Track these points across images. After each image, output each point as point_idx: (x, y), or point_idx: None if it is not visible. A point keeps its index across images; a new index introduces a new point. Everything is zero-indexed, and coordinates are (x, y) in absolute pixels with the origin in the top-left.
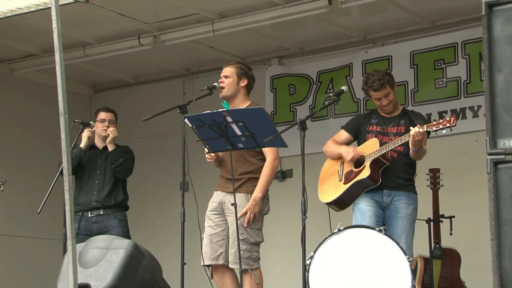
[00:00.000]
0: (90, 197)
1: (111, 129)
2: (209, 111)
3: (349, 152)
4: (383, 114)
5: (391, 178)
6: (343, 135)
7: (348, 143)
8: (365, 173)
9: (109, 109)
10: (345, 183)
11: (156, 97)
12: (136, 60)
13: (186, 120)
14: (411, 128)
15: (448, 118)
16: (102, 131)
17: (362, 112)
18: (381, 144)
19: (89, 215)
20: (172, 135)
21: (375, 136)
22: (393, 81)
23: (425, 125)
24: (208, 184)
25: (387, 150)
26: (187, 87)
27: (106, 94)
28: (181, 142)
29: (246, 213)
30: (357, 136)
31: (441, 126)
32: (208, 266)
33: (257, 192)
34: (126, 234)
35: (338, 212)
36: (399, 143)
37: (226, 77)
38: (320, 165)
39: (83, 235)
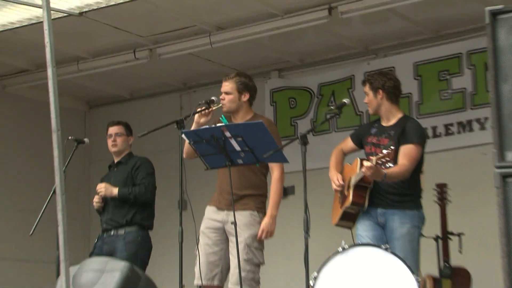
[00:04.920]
0: (103, 217)
1: (100, 189)
2: (207, 126)
3: (332, 181)
4: (382, 123)
5: (382, 195)
6: (349, 143)
7: (353, 151)
8: (348, 201)
9: (115, 122)
10: (340, 207)
11: (152, 112)
12: (131, 75)
13: (183, 135)
14: (383, 151)
15: (386, 152)
16: (110, 147)
17: None
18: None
19: (104, 236)
20: (169, 152)
21: (370, 149)
22: (377, 85)
23: (374, 158)
24: (207, 203)
25: (362, 176)
26: (184, 102)
27: (101, 110)
28: (179, 159)
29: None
30: (361, 146)
31: (383, 160)
32: (200, 286)
33: (273, 210)
34: (132, 258)
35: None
36: (359, 178)
37: (226, 93)
38: (323, 181)
39: (95, 255)
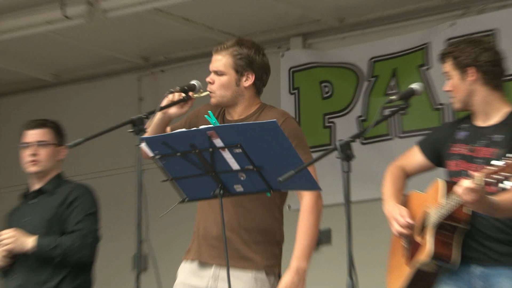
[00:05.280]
0: (9, 283)
1: (6, 238)
2: (183, 129)
3: (393, 218)
4: (476, 123)
5: (481, 243)
6: (417, 157)
7: (422, 171)
8: (425, 252)
9: (37, 122)
10: (407, 264)
11: (92, 105)
12: (58, 45)
13: (143, 144)
14: (495, 163)
15: (504, 163)
16: (27, 165)
17: None
18: (449, 191)
19: None
20: (121, 172)
21: (456, 166)
22: (466, 61)
23: (482, 174)
24: (180, 259)
25: (450, 208)
26: (145, 88)
27: (10, 101)
28: (136, 185)
29: None
30: (438, 161)
31: (497, 177)
32: None
33: (301, 261)
34: None
35: None
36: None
37: (218, 73)
38: (379, 219)
39: None
